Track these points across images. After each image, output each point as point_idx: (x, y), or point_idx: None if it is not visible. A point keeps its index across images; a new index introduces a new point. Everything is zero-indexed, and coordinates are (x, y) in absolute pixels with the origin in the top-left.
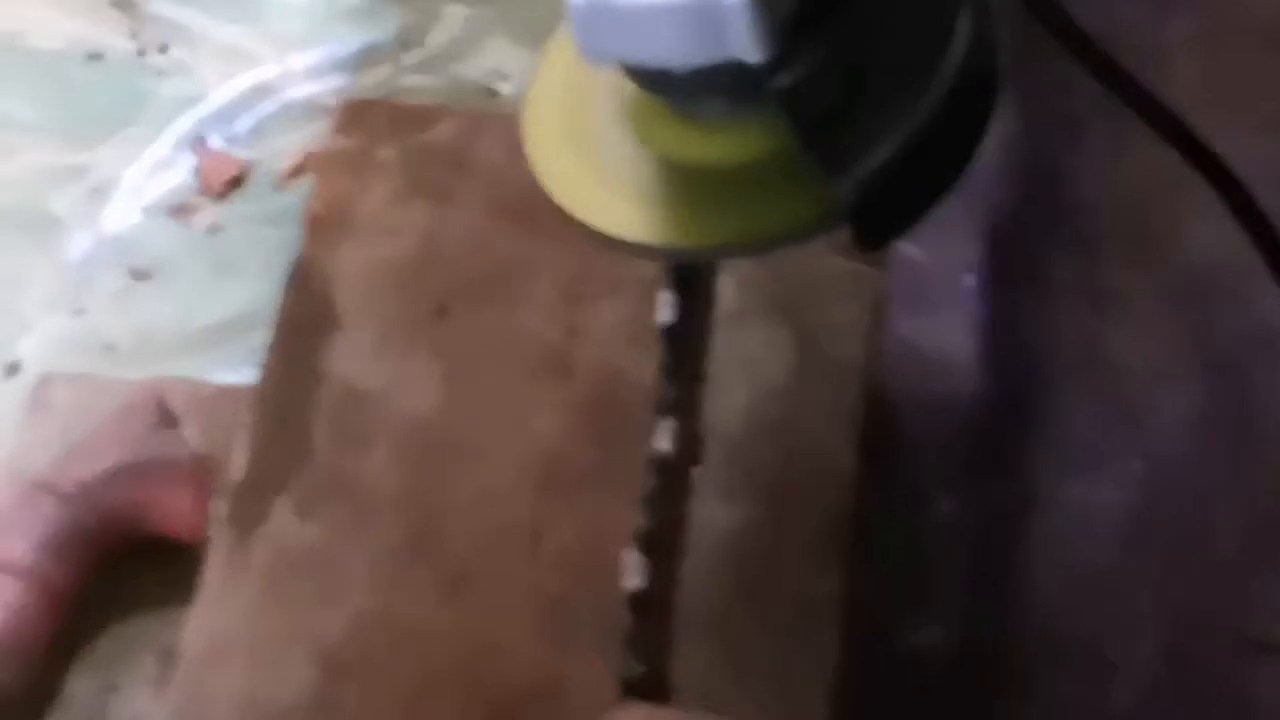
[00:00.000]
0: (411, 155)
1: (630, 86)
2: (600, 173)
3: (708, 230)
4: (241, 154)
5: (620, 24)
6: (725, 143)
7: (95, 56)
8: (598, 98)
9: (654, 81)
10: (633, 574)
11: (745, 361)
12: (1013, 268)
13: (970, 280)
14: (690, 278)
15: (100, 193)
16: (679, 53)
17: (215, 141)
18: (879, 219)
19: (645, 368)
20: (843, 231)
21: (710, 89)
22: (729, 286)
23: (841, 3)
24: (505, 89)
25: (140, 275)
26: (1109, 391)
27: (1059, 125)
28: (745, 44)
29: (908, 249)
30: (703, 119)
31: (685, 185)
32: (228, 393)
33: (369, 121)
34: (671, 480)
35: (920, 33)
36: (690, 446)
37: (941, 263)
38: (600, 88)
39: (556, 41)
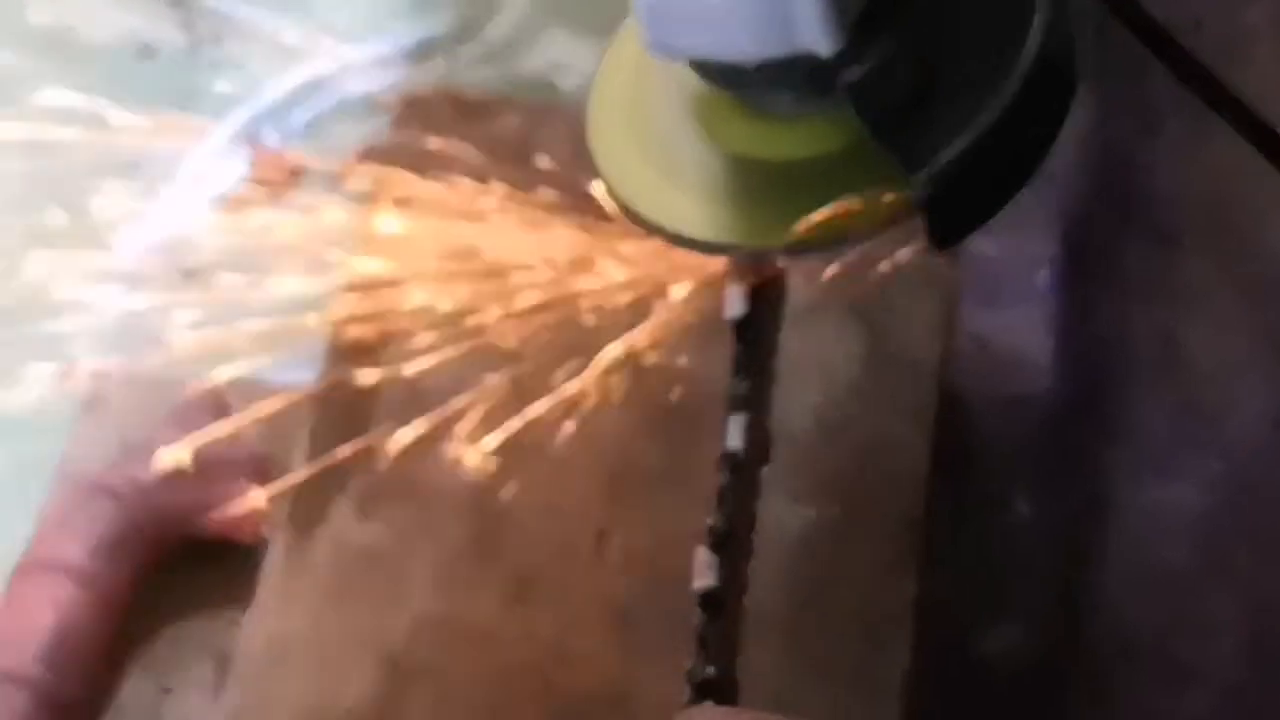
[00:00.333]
0: (474, 149)
1: (696, 82)
2: (667, 170)
3: (779, 227)
4: (296, 150)
5: (688, 18)
6: (794, 138)
7: (148, 51)
8: (663, 94)
9: (722, 76)
10: (704, 572)
11: (816, 359)
12: (1087, 263)
13: (1044, 276)
14: (760, 272)
15: (153, 190)
16: (748, 46)
17: (270, 137)
18: (953, 214)
19: (712, 368)
20: (915, 226)
21: (779, 83)
22: (799, 283)
23: None
24: (565, 82)
25: (194, 273)
26: (1186, 390)
27: (1135, 117)
28: (815, 36)
29: (980, 244)
30: (771, 114)
31: (755, 181)
32: (285, 392)
33: (430, 114)
34: (742, 478)
35: (995, 25)
36: (761, 444)
37: (1015, 258)
38: (665, 83)
39: (621, 37)
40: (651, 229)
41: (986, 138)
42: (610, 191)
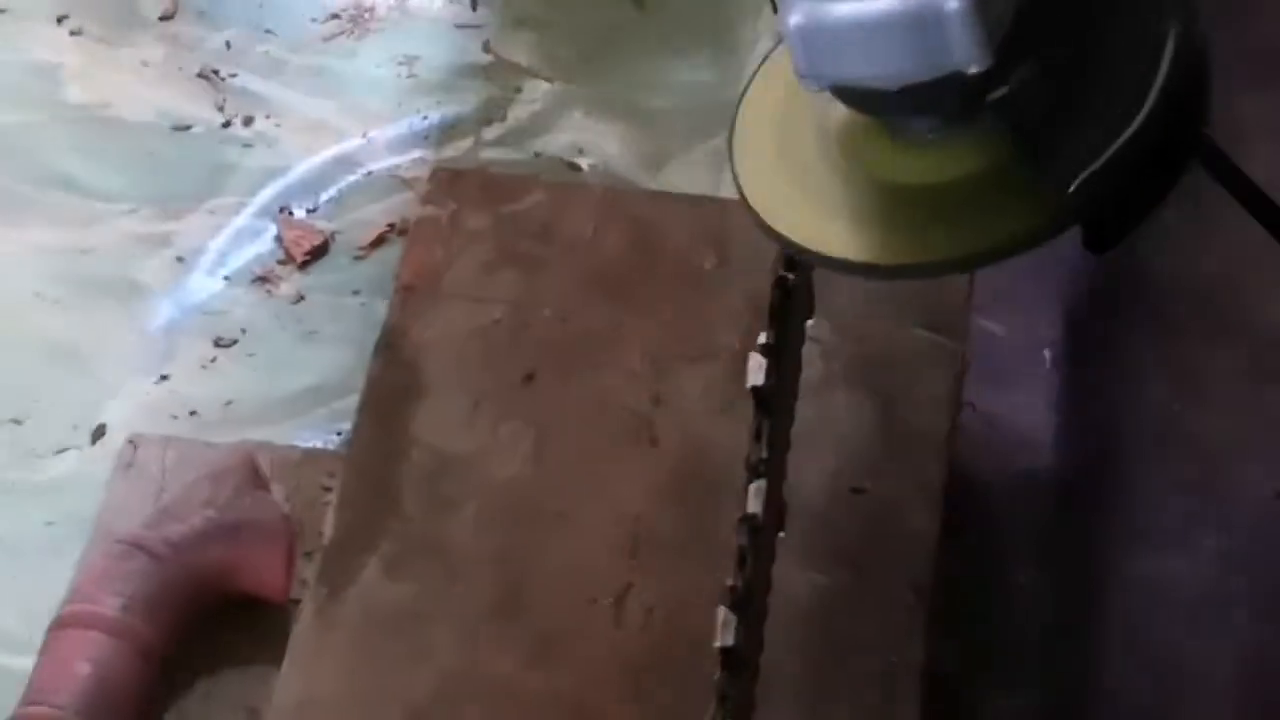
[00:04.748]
0: (501, 225)
1: (840, 109)
2: (815, 195)
3: (930, 247)
4: (324, 224)
5: (838, 42)
6: (938, 160)
7: (181, 128)
8: (808, 120)
9: (867, 102)
10: (725, 631)
11: (830, 431)
12: (1091, 344)
13: (1048, 356)
14: (780, 344)
15: (185, 261)
16: (898, 67)
17: (298, 212)
18: (1104, 221)
19: (728, 436)
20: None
21: (924, 107)
22: (814, 357)
23: (1053, 15)
24: (585, 163)
25: (224, 342)
26: (1184, 467)
27: None
28: (965, 53)
29: (987, 324)
30: (915, 138)
31: (902, 204)
32: (314, 457)
33: (459, 191)
34: (760, 541)
35: (1131, 39)
36: (777, 509)
37: (1020, 338)
38: (810, 111)
39: (768, 66)
40: (800, 253)
41: (1131, 145)
42: (749, 207)
